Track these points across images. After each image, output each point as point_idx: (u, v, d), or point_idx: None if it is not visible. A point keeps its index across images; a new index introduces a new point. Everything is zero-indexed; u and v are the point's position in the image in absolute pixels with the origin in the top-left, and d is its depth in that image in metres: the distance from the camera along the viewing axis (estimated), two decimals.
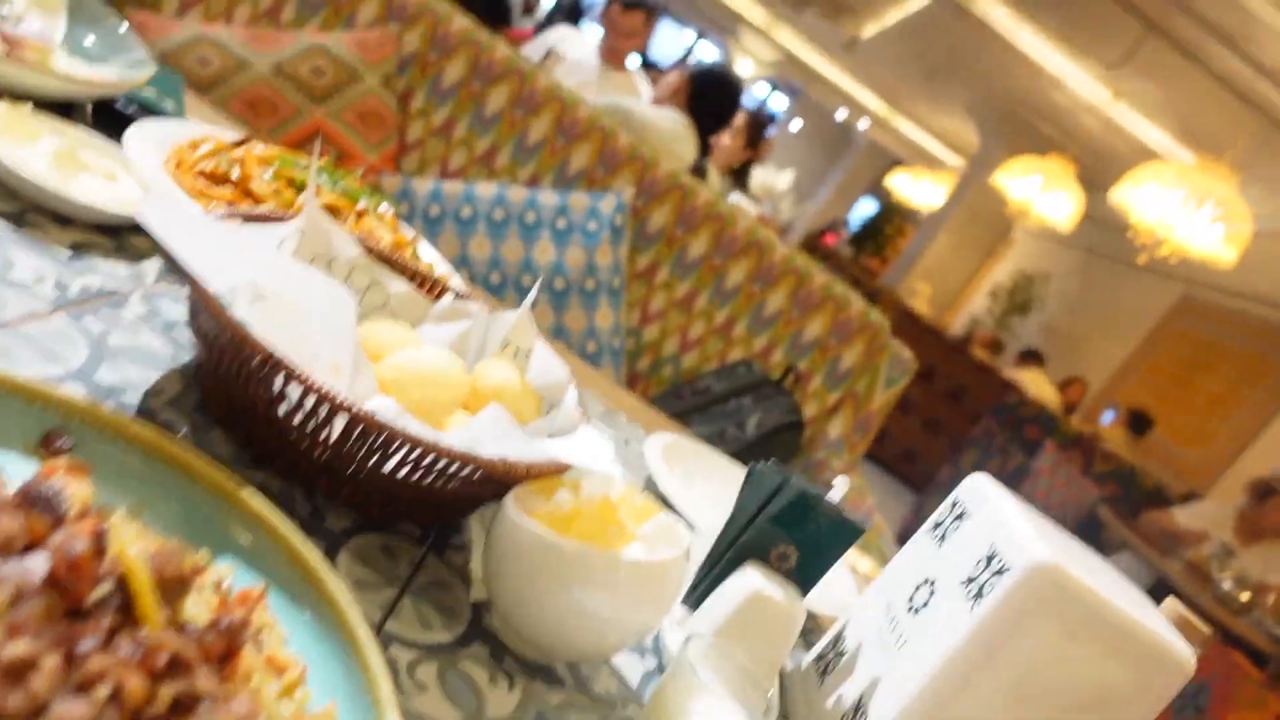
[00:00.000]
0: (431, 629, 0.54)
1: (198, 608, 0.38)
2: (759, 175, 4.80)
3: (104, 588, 0.33)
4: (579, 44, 3.50)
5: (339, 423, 0.54)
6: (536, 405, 0.74)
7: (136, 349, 0.61)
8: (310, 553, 0.46)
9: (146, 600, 0.34)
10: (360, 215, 0.90)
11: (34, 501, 0.35)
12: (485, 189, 1.60)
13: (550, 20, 4.60)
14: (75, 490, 0.38)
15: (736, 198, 3.73)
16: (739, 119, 3.62)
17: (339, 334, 0.58)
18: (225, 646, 0.36)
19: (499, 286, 1.54)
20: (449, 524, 0.66)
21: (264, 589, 0.43)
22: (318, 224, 0.72)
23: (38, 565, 0.32)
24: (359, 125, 1.69)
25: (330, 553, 0.55)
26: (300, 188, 0.86)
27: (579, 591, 0.54)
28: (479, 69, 1.78)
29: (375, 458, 0.55)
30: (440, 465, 0.56)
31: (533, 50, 3.25)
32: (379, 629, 0.51)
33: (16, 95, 0.76)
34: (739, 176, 3.86)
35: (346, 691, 0.42)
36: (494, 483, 0.59)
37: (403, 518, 0.62)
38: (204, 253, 0.54)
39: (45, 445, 0.44)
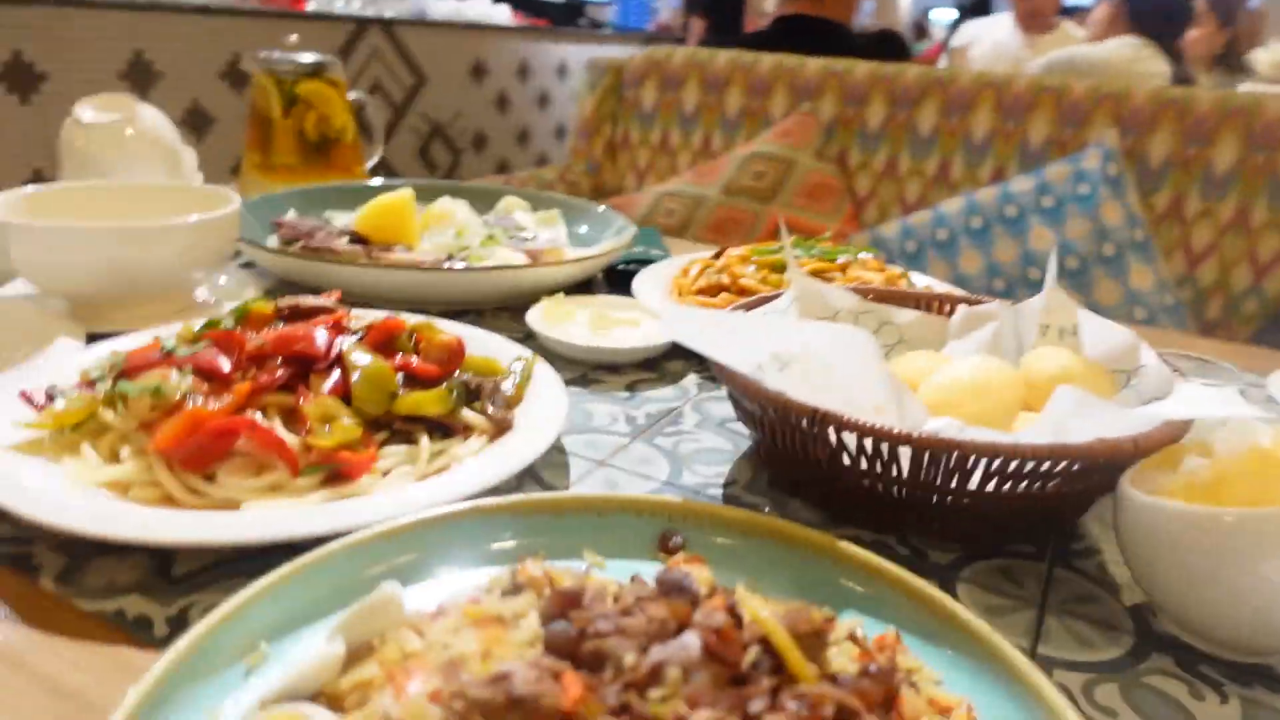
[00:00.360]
0: (1093, 646, 0.47)
1: (839, 660, 0.37)
2: (1265, 54, 3.89)
3: (753, 652, 0.34)
4: (989, 31, 3.30)
5: (905, 455, 0.51)
6: (1108, 380, 0.63)
7: (704, 450, 0.66)
8: (930, 589, 0.43)
9: (795, 657, 0.33)
10: (845, 268, 0.90)
11: (671, 590, 0.38)
12: (951, 205, 1.51)
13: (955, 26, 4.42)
14: (698, 575, 0.41)
15: (1247, 87, 3.05)
16: (1198, 4, 3.04)
17: (870, 374, 0.57)
18: (883, 692, 0.35)
19: (1005, 292, 1.42)
20: (1062, 531, 0.58)
21: (897, 633, 0.41)
22: (808, 288, 0.73)
23: (692, 642, 0.34)
24: (811, 204, 1.75)
25: (945, 589, 0.51)
26: (781, 269, 0.89)
27: (1266, 566, 0.43)
28: (897, 100, 1.74)
29: (955, 479, 0.51)
30: (1028, 468, 0.50)
31: (949, 61, 3.15)
32: (1031, 655, 0.45)
33: (550, 290, 0.92)
34: (1231, 62, 3.18)
35: None
36: (1099, 471, 0.50)
37: (1007, 538, 0.56)
38: (724, 344, 0.58)
39: (663, 546, 0.48)
